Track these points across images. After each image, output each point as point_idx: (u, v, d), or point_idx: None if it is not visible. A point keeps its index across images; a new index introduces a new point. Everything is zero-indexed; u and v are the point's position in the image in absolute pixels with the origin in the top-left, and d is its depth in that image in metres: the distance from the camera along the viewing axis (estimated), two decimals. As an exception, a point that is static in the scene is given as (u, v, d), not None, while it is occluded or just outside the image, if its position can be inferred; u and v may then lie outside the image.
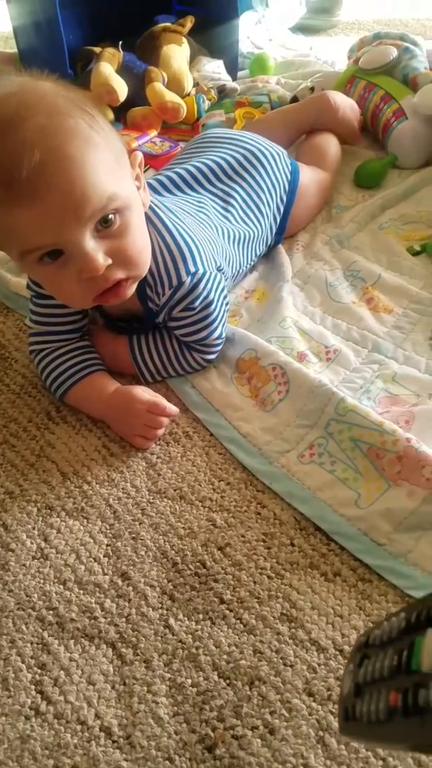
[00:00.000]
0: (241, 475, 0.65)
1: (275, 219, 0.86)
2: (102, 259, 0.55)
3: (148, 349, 0.72)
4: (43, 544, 0.59)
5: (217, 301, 0.69)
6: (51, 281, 0.60)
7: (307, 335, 0.78)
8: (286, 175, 0.87)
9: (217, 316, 0.70)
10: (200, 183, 0.79)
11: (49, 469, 0.66)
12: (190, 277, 0.66)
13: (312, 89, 1.19)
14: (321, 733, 0.47)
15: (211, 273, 0.68)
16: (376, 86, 1.10)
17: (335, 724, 0.47)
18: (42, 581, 0.57)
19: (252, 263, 0.86)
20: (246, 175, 0.82)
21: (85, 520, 0.61)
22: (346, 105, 1.06)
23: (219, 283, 0.70)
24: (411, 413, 0.67)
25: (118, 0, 1.18)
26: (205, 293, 0.67)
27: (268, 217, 0.84)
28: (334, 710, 0.48)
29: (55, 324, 0.70)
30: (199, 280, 0.66)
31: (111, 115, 1.17)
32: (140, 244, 0.60)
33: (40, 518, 0.62)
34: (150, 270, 0.64)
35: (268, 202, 0.83)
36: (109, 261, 0.56)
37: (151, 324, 0.72)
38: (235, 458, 0.66)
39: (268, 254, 0.90)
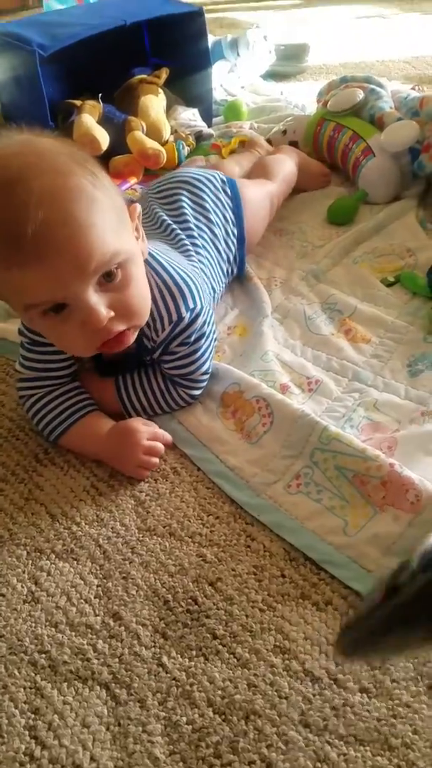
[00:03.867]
0: (229, 509, 0.65)
1: (228, 234, 0.88)
2: (105, 312, 0.57)
3: (134, 388, 0.74)
4: (33, 588, 0.59)
5: (209, 334, 0.72)
6: (54, 333, 0.61)
7: (289, 367, 0.79)
8: (225, 191, 0.90)
9: (207, 349, 0.72)
10: (165, 224, 0.82)
11: (37, 512, 0.66)
12: (189, 313, 0.68)
13: (284, 132, 1.24)
14: (318, 764, 0.47)
15: (205, 308, 0.70)
16: (345, 127, 1.15)
17: (333, 755, 0.47)
18: (33, 625, 0.57)
19: (224, 283, 0.88)
20: (193, 204, 0.84)
21: (75, 562, 0.61)
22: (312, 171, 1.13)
23: (210, 317, 0.72)
24: (393, 439, 0.68)
25: (95, 54, 1.22)
26: (200, 327, 0.70)
27: (220, 235, 0.86)
28: (331, 741, 0.48)
29: (47, 369, 0.71)
30: (197, 315, 0.69)
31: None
32: (141, 294, 0.62)
33: (30, 561, 0.62)
34: (150, 310, 0.66)
35: (216, 220, 0.85)
36: (112, 314, 0.58)
37: (140, 361, 0.73)
38: (223, 492, 0.67)
39: (248, 291, 0.92)
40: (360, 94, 1.16)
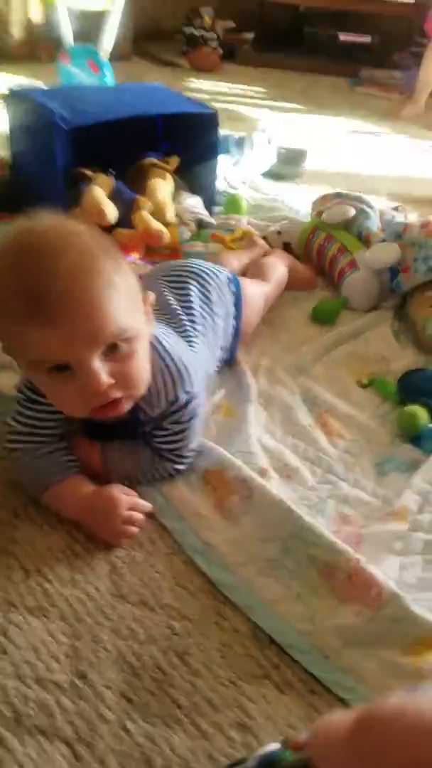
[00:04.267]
0: (202, 584, 0.68)
1: (227, 328, 0.94)
2: (105, 379, 0.61)
3: (121, 456, 0.77)
4: (2, 639, 0.60)
5: (200, 415, 0.77)
6: (54, 390, 0.65)
7: (269, 452, 0.84)
8: (229, 287, 0.97)
9: (196, 430, 0.77)
10: (172, 308, 0.87)
11: (11, 566, 0.67)
12: (185, 396, 0.73)
13: (279, 233, 1.35)
14: None
15: (199, 392, 0.76)
16: (335, 239, 1.26)
17: None
18: (0, 676, 0.57)
19: (217, 368, 0.94)
20: (201, 295, 0.90)
21: (46, 619, 0.63)
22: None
23: (203, 401, 0.78)
24: (360, 535, 0.73)
25: (109, 131, 1.32)
26: (193, 410, 0.75)
27: (221, 327, 0.92)
28: None
29: (40, 427, 0.74)
30: (192, 398, 0.74)
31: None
32: (141, 368, 0.66)
33: (1, 613, 0.63)
34: (149, 386, 0.70)
35: (218, 312, 0.92)
36: (112, 381, 0.62)
37: (129, 430, 0.77)
38: (197, 567, 0.70)
39: (235, 375, 0.98)
40: (352, 211, 1.29)
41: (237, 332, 0.97)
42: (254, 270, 1.16)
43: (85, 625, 0.62)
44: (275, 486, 0.78)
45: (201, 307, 0.88)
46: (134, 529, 0.72)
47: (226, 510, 0.75)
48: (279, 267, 1.17)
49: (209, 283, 0.92)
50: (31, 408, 0.74)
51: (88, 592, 0.66)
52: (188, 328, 0.84)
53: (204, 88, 2.77)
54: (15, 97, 1.31)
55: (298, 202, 1.64)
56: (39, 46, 2.76)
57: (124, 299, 0.62)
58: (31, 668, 0.58)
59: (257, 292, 1.05)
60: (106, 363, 0.62)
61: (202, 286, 0.91)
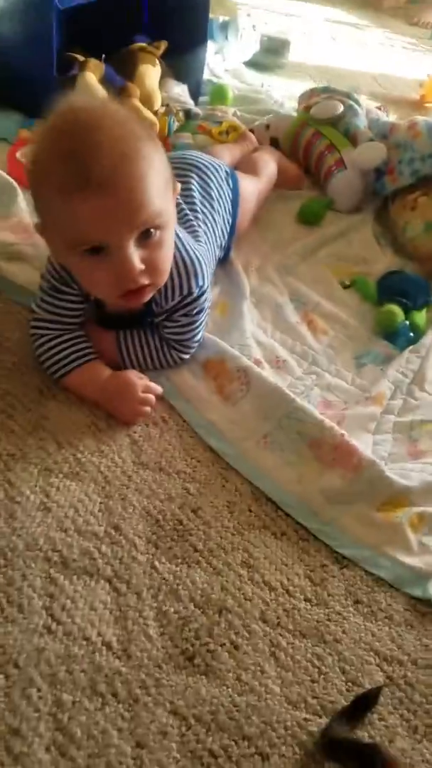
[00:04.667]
0: (209, 455, 0.79)
1: (225, 222, 0.99)
2: (138, 264, 0.66)
3: (132, 343, 0.84)
4: (44, 499, 0.70)
5: (206, 309, 0.84)
6: (86, 272, 0.70)
7: (262, 345, 0.93)
8: (228, 182, 1.01)
9: (202, 322, 0.84)
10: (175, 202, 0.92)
11: (45, 438, 0.76)
12: (198, 289, 0.79)
13: (267, 127, 1.36)
14: (273, 649, 0.62)
15: (208, 288, 0.82)
16: (323, 135, 1.28)
17: (284, 643, 0.63)
18: (46, 529, 0.67)
19: (215, 266, 0.99)
20: (201, 189, 0.94)
21: (80, 482, 0.73)
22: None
23: (209, 296, 0.84)
24: (342, 415, 0.84)
25: (94, 13, 1.26)
26: (202, 303, 0.81)
27: (219, 224, 0.97)
28: (282, 633, 0.64)
29: (62, 315, 0.80)
30: (202, 293, 0.81)
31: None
32: (168, 258, 0.72)
33: (41, 478, 0.72)
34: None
35: (218, 209, 0.97)
36: (143, 267, 0.67)
37: (140, 321, 0.84)
38: (203, 441, 0.80)
39: (228, 274, 1.05)
40: (340, 107, 1.30)
41: (232, 230, 1.01)
42: (245, 165, 1.18)
43: (113, 487, 0.73)
44: (268, 375, 0.87)
45: (201, 202, 0.92)
46: (148, 409, 0.80)
47: (225, 394, 0.85)
48: (270, 164, 1.20)
49: (210, 178, 0.95)
50: (54, 296, 0.79)
51: (114, 460, 0.75)
52: (192, 222, 0.88)
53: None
54: None
55: (281, 94, 1.63)
56: None
57: (161, 182, 0.67)
58: (72, 522, 0.68)
59: (252, 189, 1.08)
60: (139, 249, 0.67)
61: (203, 180, 0.94)
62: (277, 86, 1.68)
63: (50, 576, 0.64)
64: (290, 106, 1.54)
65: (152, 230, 0.67)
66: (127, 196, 0.63)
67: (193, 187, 0.93)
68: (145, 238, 0.67)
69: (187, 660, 0.60)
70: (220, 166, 1.01)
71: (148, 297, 0.74)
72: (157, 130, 1.27)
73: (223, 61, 1.69)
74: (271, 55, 1.81)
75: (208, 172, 0.96)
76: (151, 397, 0.81)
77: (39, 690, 0.56)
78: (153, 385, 0.82)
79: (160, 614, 0.63)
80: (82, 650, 0.59)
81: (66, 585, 0.64)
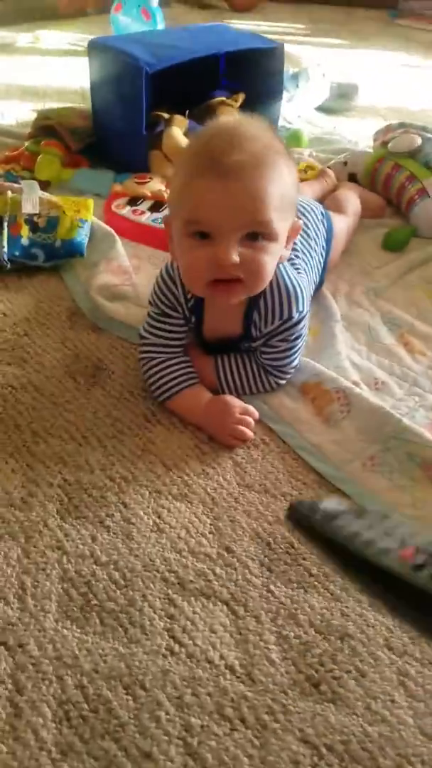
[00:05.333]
0: (314, 477, 0.77)
1: (320, 262, 1.01)
2: (235, 255, 0.69)
3: (230, 368, 0.85)
4: (157, 521, 0.70)
5: (305, 336, 0.85)
6: (187, 252, 0.73)
7: (358, 367, 0.92)
8: (323, 224, 1.03)
9: (300, 348, 0.85)
10: None
11: (153, 461, 0.77)
12: (297, 315, 0.80)
13: (345, 164, 1.38)
14: (401, 677, 0.59)
15: (307, 314, 0.83)
16: (402, 167, 1.29)
17: (413, 672, 0.59)
18: (161, 549, 0.67)
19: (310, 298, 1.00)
20: (302, 230, 0.96)
21: (189, 504, 0.73)
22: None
23: (307, 323, 0.85)
24: (451, 437, 0.81)
25: (176, 73, 1.35)
26: (300, 329, 0.82)
27: (315, 260, 0.98)
28: (410, 662, 0.60)
29: (168, 338, 0.83)
30: (302, 319, 0.81)
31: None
32: (268, 266, 0.73)
33: (152, 500, 0.73)
34: (266, 301, 0.78)
35: (314, 247, 0.98)
36: (238, 260, 0.69)
37: (242, 347, 0.85)
38: (307, 463, 0.79)
39: (317, 299, 1.05)
40: (419, 140, 1.31)
41: (325, 265, 1.02)
42: (332, 204, 1.20)
43: (221, 508, 0.72)
44: (368, 396, 0.85)
45: (301, 242, 0.94)
46: (248, 432, 0.80)
47: (325, 416, 0.84)
48: (354, 199, 1.22)
49: (308, 219, 0.98)
50: (161, 321, 0.83)
51: (219, 482, 0.75)
52: (293, 259, 0.90)
53: (244, 28, 2.72)
54: (95, 46, 1.34)
55: (355, 134, 1.66)
56: (86, 1, 2.75)
57: (282, 201, 0.70)
58: (185, 543, 0.68)
59: (342, 227, 1.11)
60: (241, 246, 0.70)
61: (303, 221, 0.96)
62: (349, 128, 1.72)
63: (169, 597, 0.63)
64: (365, 145, 1.56)
65: (259, 235, 0.70)
66: (246, 193, 0.67)
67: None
68: (250, 239, 0.70)
69: (313, 686, 0.58)
70: (316, 207, 1.03)
71: (237, 296, 0.75)
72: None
73: (295, 108, 1.75)
74: (341, 99, 1.85)
75: (307, 214, 0.99)
76: (249, 419, 0.81)
77: (167, 713, 0.55)
78: (251, 408, 0.82)
79: (281, 638, 0.61)
80: (206, 673, 0.58)
81: (185, 606, 0.63)
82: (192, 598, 0.64)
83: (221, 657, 0.59)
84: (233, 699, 0.56)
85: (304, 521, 0.41)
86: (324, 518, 0.40)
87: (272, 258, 0.73)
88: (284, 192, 0.70)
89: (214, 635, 0.61)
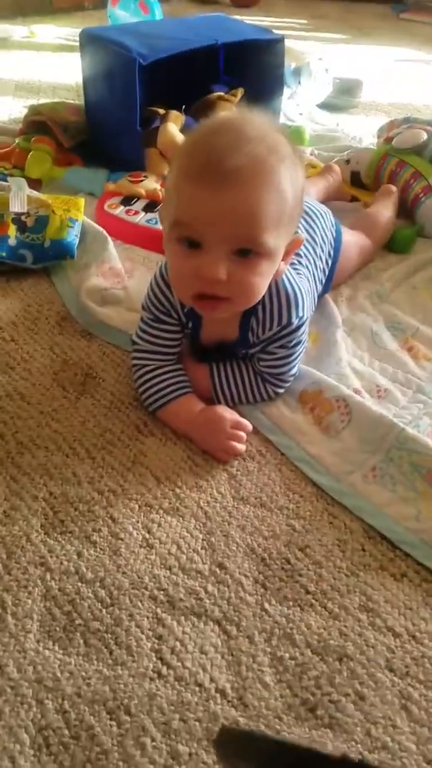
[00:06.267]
0: (312, 490, 0.74)
1: (324, 271, 0.98)
2: (221, 272, 0.64)
3: (226, 376, 0.82)
4: (147, 535, 0.68)
5: (304, 342, 0.81)
6: (176, 260, 0.69)
7: (360, 374, 0.89)
8: (332, 232, 1.00)
9: (300, 354, 0.81)
10: None
11: (143, 474, 0.74)
12: (297, 320, 0.77)
13: (348, 161, 1.35)
14: (404, 701, 0.56)
15: (307, 320, 0.80)
16: (407, 164, 1.26)
17: (416, 695, 0.56)
18: (150, 566, 0.65)
19: (313, 306, 0.97)
20: (307, 234, 0.93)
21: (181, 518, 0.70)
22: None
23: (307, 329, 0.81)
24: (456, 446, 0.78)
25: (173, 67, 1.31)
26: (300, 335, 0.79)
27: (320, 269, 0.95)
28: (413, 684, 0.57)
29: (161, 345, 0.80)
30: (301, 324, 0.78)
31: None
32: (256, 290, 0.69)
33: (142, 514, 0.70)
34: (264, 307, 0.75)
35: (320, 254, 0.95)
36: (224, 278, 0.65)
37: (238, 353, 0.82)
38: (305, 475, 0.76)
39: (318, 304, 1.01)
40: (424, 135, 1.27)
41: (331, 275, 0.99)
42: (361, 224, 1.14)
43: (215, 523, 0.69)
44: (371, 404, 0.82)
45: (305, 247, 0.90)
46: (239, 447, 0.77)
47: (324, 426, 0.81)
48: (385, 220, 1.16)
49: (316, 223, 0.94)
50: (154, 327, 0.79)
51: (213, 495, 0.72)
52: (295, 263, 0.87)
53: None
54: (87, 38, 1.30)
55: (358, 131, 1.63)
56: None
57: (280, 216, 0.65)
58: (176, 559, 0.65)
59: (356, 243, 1.06)
60: (231, 263, 0.65)
61: (309, 225, 0.93)
62: (352, 125, 1.69)
63: (158, 616, 0.61)
64: (368, 142, 1.53)
65: (252, 252, 0.66)
66: (240, 207, 0.62)
67: (299, 231, 0.92)
68: (241, 255, 0.65)
69: (309, 711, 0.55)
70: (325, 212, 1.00)
71: (222, 312, 0.71)
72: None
73: (296, 105, 1.72)
74: (344, 95, 1.82)
75: (315, 218, 0.95)
76: (241, 434, 0.77)
77: (153, 739, 0.52)
78: (243, 421, 0.79)
79: (276, 660, 0.58)
80: (195, 697, 0.55)
81: (174, 626, 0.60)
82: (182, 618, 0.61)
83: (212, 680, 0.56)
84: (224, 725, 0.53)
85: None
86: None
87: (264, 277, 0.69)
88: (284, 208, 0.65)
89: (205, 656, 0.58)
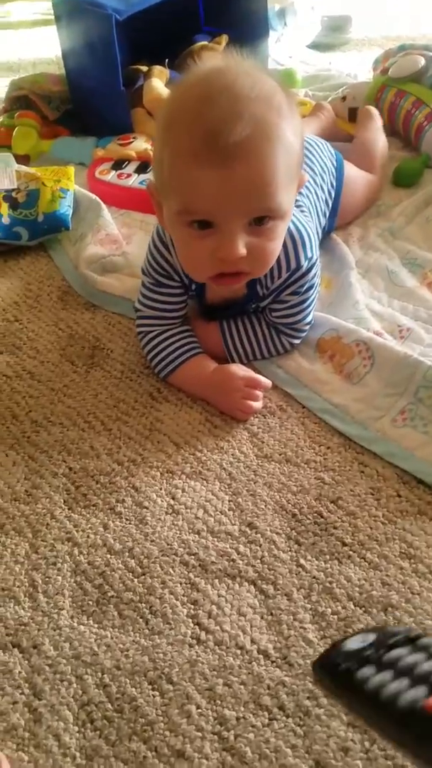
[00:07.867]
0: (339, 440, 0.71)
1: (327, 202, 0.92)
2: (241, 249, 0.61)
3: (238, 333, 0.79)
4: (172, 502, 0.65)
5: (317, 286, 0.77)
6: (187, 245, 0.65)
7: (379, 316, 0.85)
8: (332, 162, 0.94)
9: (313, 300, 0.77)
10: None
11: (162, 441, 0.72)
12: (306, 262, 0.73)
13: (344, 98, 1.28)
14: (454, 646, 0.53)
15: (317, 261, 0.75)
16: (407, 93, 1.19)
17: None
18: (178, 532, 0.63)
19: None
20: (305, 166, 0.86)
21: (205, 481, 0.67)
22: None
23: (318, 271, 0.77)
24: None
25: (150, 21, 1.25)
26: (311, 279, 0.75)
27: (322, 199, 0.90)
28: (462, 628, 0.54)
29: (165, 310, 0.77)
30: (312, 266, 0.74)
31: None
32: (276, 251, 0.66)
33: (165, 480, 0.68)
34: None
35: (320, 183, 0.90)
36: (245, 253, 0.61)
37: (247, 308, 0.78)
38: (330, 426, 0.72)
39: (328, 246, 0.97)
40: (421, 61, 1.20)
41: (335, 209, 0.93)
42: (356, 155, 1.07)
43: (240, 483, 0.67)
44: (393, 345, 0.78)
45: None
46: (255, 405, 0.73)
47: (346, 373, 0.77)
48: (380, 146, 1.11)
49: (313, 154, 0.89)
50: (156, 291, 0.76)
51: (235, 455, 0.70)
52: (296, 199, 0.82)
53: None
54: (62, 5, 1.24)
55: (352, 68, 1.55)
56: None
57: (290, 170, 0.61)
58: (204, 523, 0.63)
59: (360, 175, 1.01)
60: (247, 235, 0.61)
61: (307, 156, 0.88)
62: (345, 61, 1.60)
63: (191, 581, 0.59)
64: (364, 78, 1.45)
65: (267, 218, 0.62)
66: (251, 178, 0.58)
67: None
68: (257, 224, 0.62)
69: (357, 666, 0.53)
70: (322, 143, 0.94)
71: (241, 283, 0.68)
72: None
73: (285, 48, 1.64)
74: (334, 33, 1.73)
75: (312, 149, 0.90)
76: (256, 392, 0.74)
77: (198, 707, 0.50)
78: (258, 377, 0.75)
79: (317, 616, 0.56)
80: (237, 660, 0.53)
81: (209, 590, 0.58)
82: (216, 581, 0.59)
83: (253, 641, 0.54)
84: (270, 686, 0.52)
85: (332, 672, 0.35)
86: (349, 669, 0.34)
87: (281, 238, 0.65)
88: (292, 161, 0.61)
89: (243, 618, 0.56)
